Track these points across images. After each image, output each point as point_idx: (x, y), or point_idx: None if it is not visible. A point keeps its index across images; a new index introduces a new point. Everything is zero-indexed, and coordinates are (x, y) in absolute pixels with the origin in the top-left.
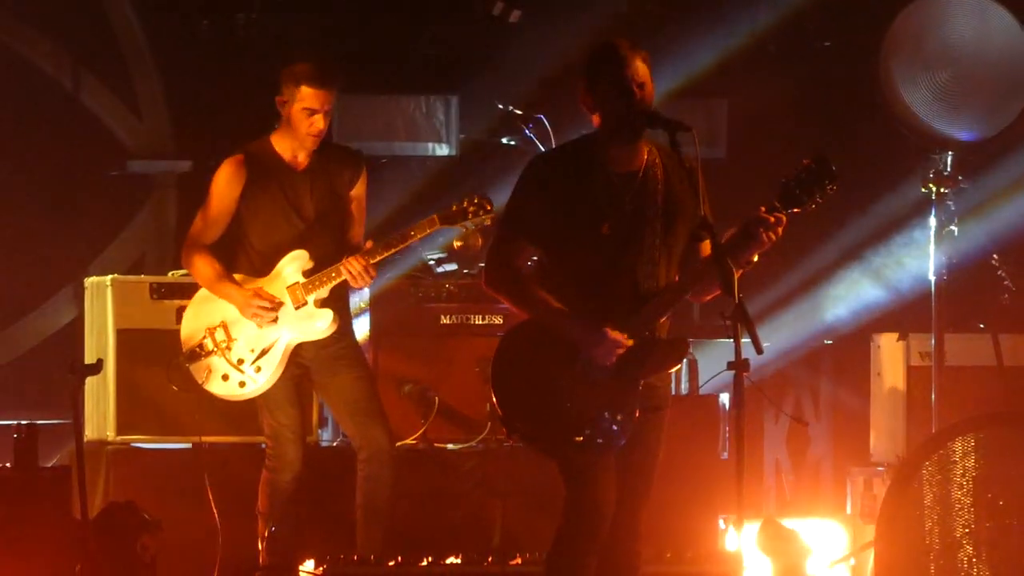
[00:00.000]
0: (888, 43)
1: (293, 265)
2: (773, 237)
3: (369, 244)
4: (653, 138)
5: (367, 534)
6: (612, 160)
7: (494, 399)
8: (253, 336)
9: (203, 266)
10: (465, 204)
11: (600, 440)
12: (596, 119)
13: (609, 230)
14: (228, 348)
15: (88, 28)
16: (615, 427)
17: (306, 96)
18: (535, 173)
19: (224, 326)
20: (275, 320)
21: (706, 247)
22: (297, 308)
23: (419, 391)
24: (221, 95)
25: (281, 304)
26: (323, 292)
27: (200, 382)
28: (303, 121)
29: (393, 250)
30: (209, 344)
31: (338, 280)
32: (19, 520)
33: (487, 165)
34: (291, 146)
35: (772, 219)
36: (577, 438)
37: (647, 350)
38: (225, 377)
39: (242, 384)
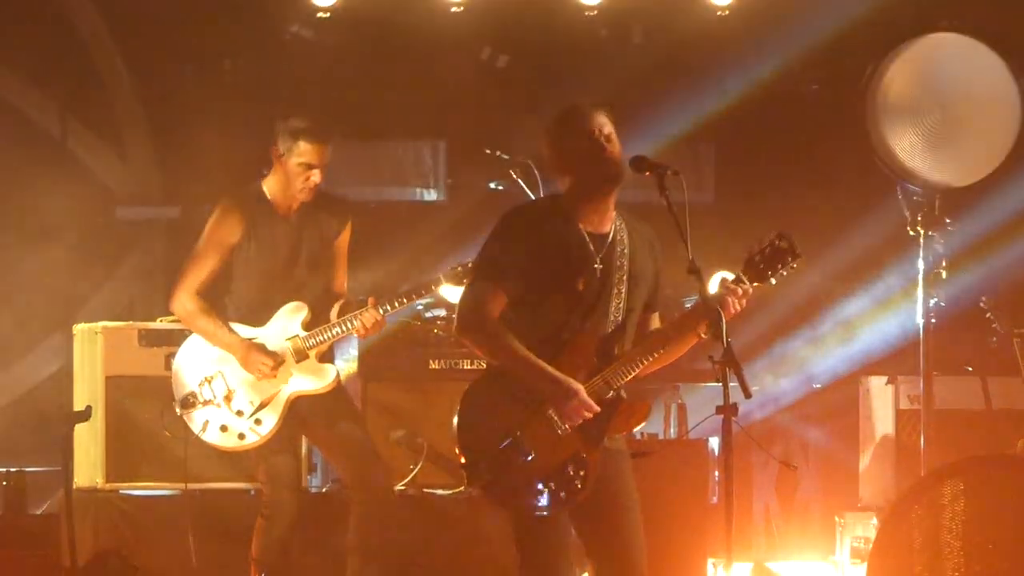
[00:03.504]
0: (875, 86)
1: (292, 316)
2: (738, 307)
3: (371, 301)
4: (620, 201)
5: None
6: (585, 220)
7: (458, 448)
8: (253, 387)
9: (198, 314)
10: (469, 264)
11: (563, 494)
12: (566, 182)
13: (583, 286)
14: (228, 399)
15: (75, 75)
16: (578, 483)
17: (304, 151)
18: (511, 225)
19: (222, 376)
20: (276, 373)
21: (655, 319)
22: (299, 361)
23: (408, 437)
24: (208, 141)
25: (283, 359)
26: (325, 346)
27: (197, 432)
28: (300, 175)
29: (401, 306)
30: (207, 393)
31: (344, 335)
32: (7, 567)
33: (475, 210)
34: (284, 195)
35: (739, 291)
36: (542, 492)
37: (612, 409)
38: (224, 428)
39: (242, 436)
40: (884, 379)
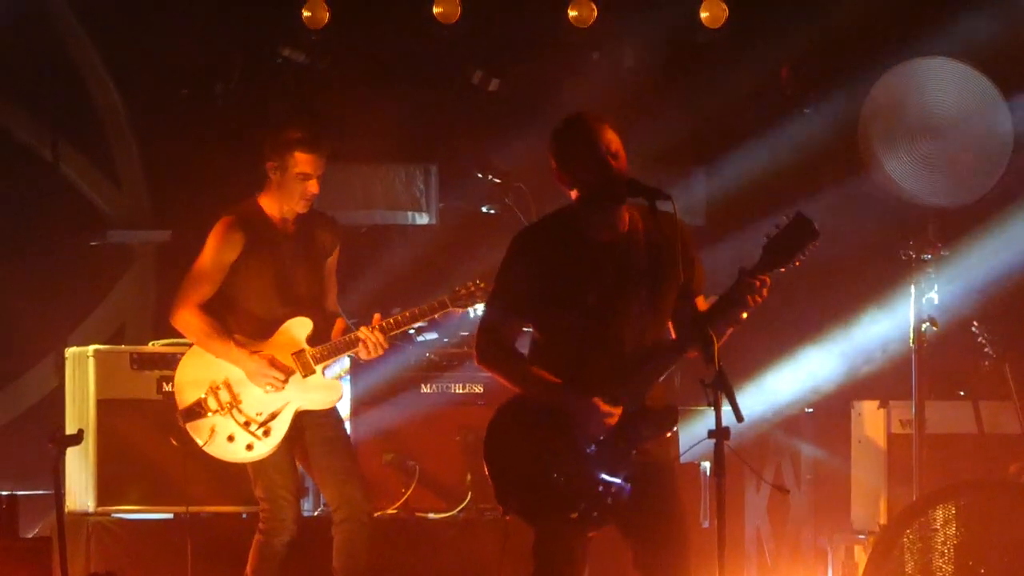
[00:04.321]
0: (868, 110)
1: (297, 331)
2: (759, 299)
3: (377, 317)
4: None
5: None
6: (594, 230)
7: (487, 474)
8: (260, 399)
9: (203, 327)
10: (471, 287)
11: (596, 513)
12: (574, 194)
13: (596, 301)
14: (235, 409)
15: (67, 98)
16: (609, 500)
17: (300, 161)
18: (520, 248)
19: (227, 385)
20: (284, 386)
21: (700, 302)
22: (305, 376)
23: (399, 460)
24: (200, 165)
25: (292, 373)
26: (331, 360)
27: (201, 442)
28: (297, 186)
29: (406, 327)
30: (212, 403)
31: (351, 351)
32: None
33: (466, 234)
34: (280, 209)
35: (757, 282)
36: (572, 515)
37: (637, 420)
38: (231, 438)
39: (249, 447)
40: (876, 403)
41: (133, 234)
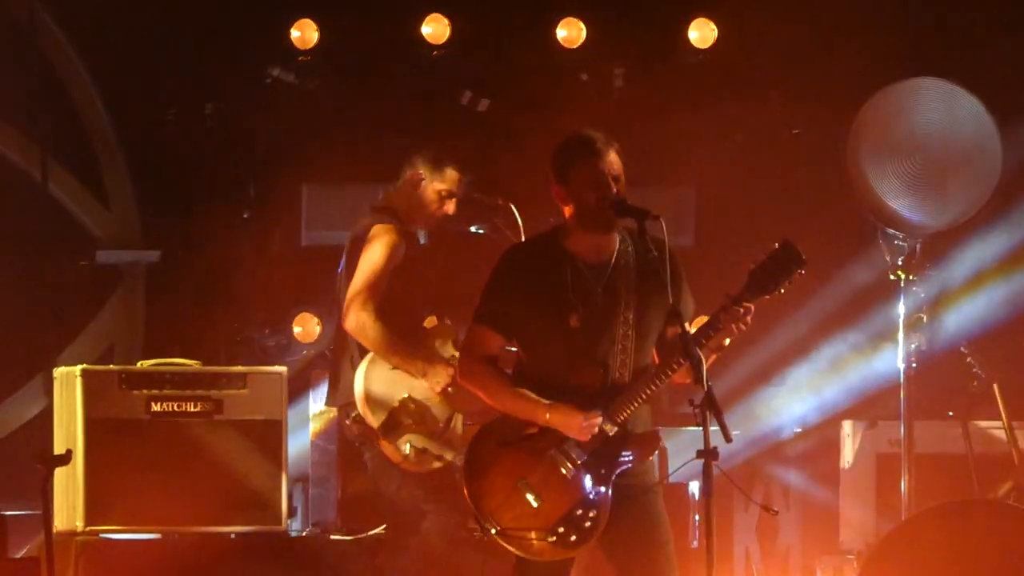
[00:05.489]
0: (856, 130)
1: (442, 339)
2: (743, 327)
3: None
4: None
5: None
6: (583, 251)
7: (467, 494)
8: (438, 410)
9: (389, 335)
10: None
11: (574, 537)
12: (568, 211)
13: (579, 323)
14: (424, 419)
15: (56, 118)
16: (587, 524)
17: (451, 179)
18: (507, 265)
19: (413, 397)
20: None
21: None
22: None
23: None
24: (190, 185)
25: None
26: None
27: (399, 458)
28: (437, 202)
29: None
30: (406, 417)
31: None
32: None
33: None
34: (411, 220)
35: (741, 310)
36: (551, 538)
37: (618, 444)
38: (425, 450)
39: (440, 458)
40: (865, 423)
41: (122, 254)
